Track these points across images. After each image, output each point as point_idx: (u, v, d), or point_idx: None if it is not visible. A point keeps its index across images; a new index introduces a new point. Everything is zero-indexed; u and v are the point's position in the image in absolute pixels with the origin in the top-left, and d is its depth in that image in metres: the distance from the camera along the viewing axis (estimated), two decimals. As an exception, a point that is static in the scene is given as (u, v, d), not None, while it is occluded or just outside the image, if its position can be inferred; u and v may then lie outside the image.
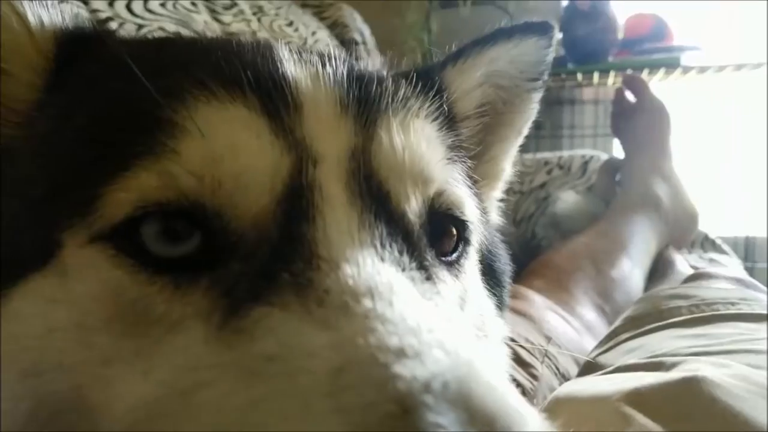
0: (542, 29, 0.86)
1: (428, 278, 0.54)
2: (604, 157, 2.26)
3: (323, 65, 0.61)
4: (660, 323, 1.05)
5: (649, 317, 1.10)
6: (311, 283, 0.46)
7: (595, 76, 2.85)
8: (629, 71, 2.75)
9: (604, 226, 1.86)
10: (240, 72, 0.55)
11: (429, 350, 0.39)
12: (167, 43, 0.70)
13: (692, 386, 0.67)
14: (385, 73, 0.68)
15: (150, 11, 1.59)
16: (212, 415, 0.42)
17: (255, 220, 0.51)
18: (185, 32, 1.63)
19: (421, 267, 0.54)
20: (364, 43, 2.52)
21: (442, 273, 0.60)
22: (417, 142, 0.60)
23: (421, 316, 0.43)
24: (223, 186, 0.51)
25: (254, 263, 0.49)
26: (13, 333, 0.53)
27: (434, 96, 0.69)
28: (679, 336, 0.96)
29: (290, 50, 0.63)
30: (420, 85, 0.68)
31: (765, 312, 1.01)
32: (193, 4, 1.78)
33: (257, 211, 0.51)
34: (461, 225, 0.65)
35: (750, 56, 2.84)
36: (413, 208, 0.58)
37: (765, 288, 1.20)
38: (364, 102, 0.60)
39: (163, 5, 1.65)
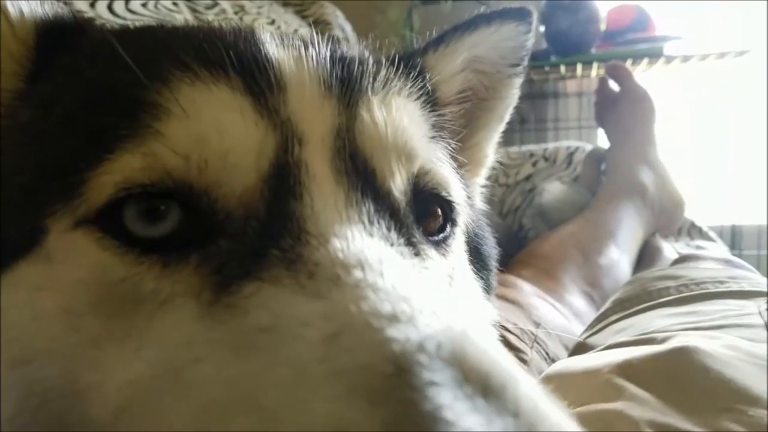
0: (521, 15, 0.87)
1: (416, 254, 0.54)
2: (589, 147, 2.26)
3: (306, 47, 0.61)
4: (649, 303, 1.05)
5: (637, 298, 1.10)
6: (301, 258, 0.46)
7: (579, 68, 2.87)
8: (612, 62, 2.76)
9: (590, 214, 1.87)
10: (222, 53, 0.56)
11: (421, 315, 0.39)
12: (149, 30, 0.70)
13: (683, 356, 0.66)
14: (367, 54, 0.68)
15: (131, 11, 1.59)
16: (208, 389, 0.42)
17: (242, 199, 0.51)
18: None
19: (409, 243, 0.54)
20: (347, 40, 2.52)
21: (430, 251, 0.60)
22: (399, 117, 0.61)
23: (411, 286, 0.43)
24: (210, 165, 0.51)
25: (243, 240, 0.50)
26: (0, 323, 0.52)
27: (416, 78, 0.69)
28: (669, 314, 0.96)
29: (271, 34, 0.63)
30: (402, 66, 0.68)
31: (753, 289, 1.01)
32: (175, 3, 1.78)
33: (244, 189, 0.51)
34: (448, 205, 0.65)
35: (732, 44, 2.87)
36: (398, 185, 0.58)
37: (752, 268, 1.21)
38: (346, 82, 0.60)
39: (144, 5, 1.66)
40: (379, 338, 0.37)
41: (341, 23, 2.53)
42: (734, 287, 1.02)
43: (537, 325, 1.21)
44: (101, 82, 0.57)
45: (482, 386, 0.34)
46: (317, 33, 0.66)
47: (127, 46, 0.56)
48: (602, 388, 0.66)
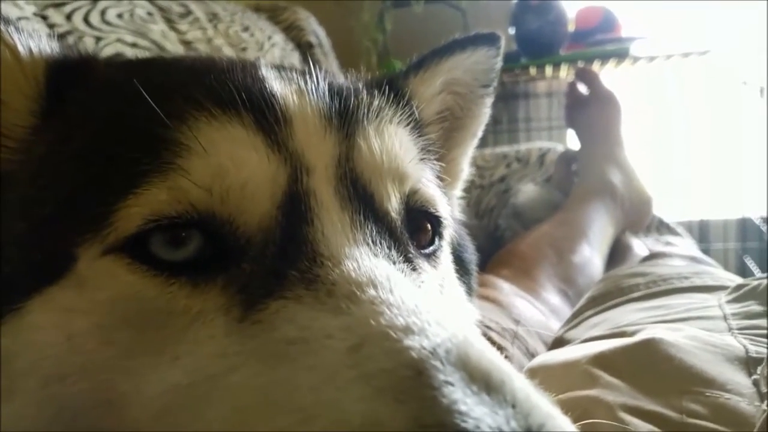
0: (491, 40, 0.97)
1: (414, 269, 0.62)
2: (560, 148, 2.37)
3: (305, 82, 0.68)
4: (621, 299, 1.15)
5: (610, 295, 1.20)
6: (318, 278, 0.53)
7: (548, 69, 2.97)
8: (581, 63, 2.88)
9: (564, 215, 1.97)
10: (233, 92, 0.62)
11: (429, 326, 0.47)
12: (155, 66, 0.75)
13: (650, 347, 0.77)
14: (358, 84, 0.76)
15: (107, 23, 1.62)
16: (245, 394, 0.49)
17: (260, 225, 0.58)
18: (143, 43, 1.68)
19: (407, 260, 0.62)
20: (320, 45, 2.58)
21: (423, 264, 0.68)
22: (391, 143, 0.68)
23: (416, 300, 0.51)
24: (231, 196, 0.57)
25: (263, 263, 0.56)
26: (32, 343, 0.57)
27: (404, 104, 0.77)
28: (639, 309, 1.06)
29: (271, 68, 0.71)
30: (391, 94, 0.75)
31: (715, 283, 1.12)
32: (149, 14, 1.81)
33: (261, 217, 0.58)
34: (435, 220, 0.73)
35: (695, 44, 3.00)
36: (394, 205, 0.66)
37: (715, 263, 1.32)
38: (344, 114, 0.67)
39: (119, 16, 1.68)
40: (397, 347, 0.45)
41: (315, 29, 2.59)
42: (698, 282, 1.13)
43: (517, 322, 1.31)
44: (118, 120, 0.62)
45: (485, 383, 0.42)
46: (311, 63, 0.73)
47: (140, 83, 0.61)
48: (580, 377, 0.76)
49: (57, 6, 1.53)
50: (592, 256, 1.84)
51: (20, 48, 0.67)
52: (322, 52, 2.58)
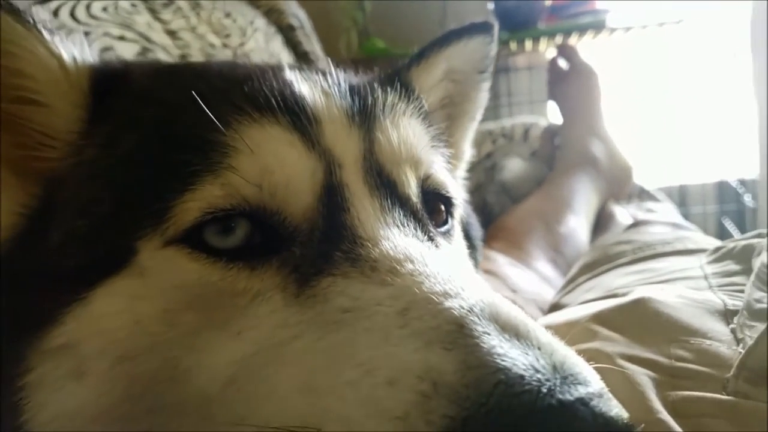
0: (486, 28, 1.07)
1: (436, 246, 0.72)
2: (544, 123, 2.48)
3: (327, 83, 0.78)
4: (610, 265, 1.28)
5: (600, 262, 1.33)
6: (361, 257, 0.63)
7: (528, 43, 3.08)
8: (559, 36, 2.99)
9: (549, 187, 2.10)
10: (269, 97, 0.71)
11: (463, 291, 0.57)
12: (187, 74, 0.82)
13: (641, 304, 0.89)
14: (373, 82, 0.86)
15: (93, 17, 1.67)
16: (309, 356, 0.57)
17: (305, 215, 0.67)
18: (130, 35, 1.74)
19: (430, 238, 0.72)
20: (302, 27, 2.64)
21: (442, 241, 0.78)
22: (406, 134, 0.78)
23: (448, 272, 0.61)
24: (278, 191, 0.66)
25: (311, 246, 0.65)
26: (101, 329, 0.64)
27: (414, 97, 0.87)
28: (627, 273, 1.19)
29: (294, 70, 0.80)
30: (402, 89, 0.85)
31: (696, 247, 1.25)
32: (133, 5, 1.86)
33: (305, 207, 0.67)
34: (447, 201, 0.83)
35: (670, 14, 3.12)
36: (413, 189, 0.76)
37: (694, 227, 1.45)
38: (363, 111, 0.77)
39: (104, 9, 1.72)
40: (440, 308, 0.55)
41: (295, 11, 2.64)
42: (679, 247, 1.26)
43: (514, 292, 1.43)
44: (164, 125, 0.70)
45: (515, 332, 0.52)
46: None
47: (180, 92, 0.70)
48: (581, 333, 0.88)
49: (43, 3, 1.58)
50: (577, 225, 1.97)
51: (65, 57, 0.74)
52: (304, 33, 2.64)
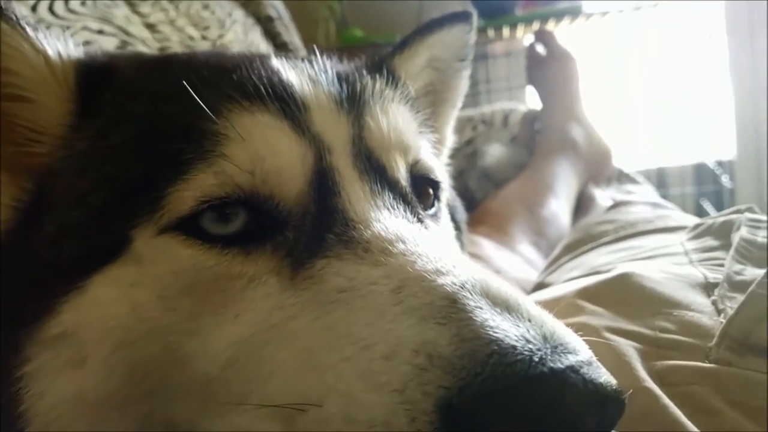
0: (465, 17, 1.10)
1: (425, 228, 0.74)
2: (523, 108, 2.51)
3: (314, 70, 0.79)
4: (592, 245, 1.31)
5: (582, 241, 1.36)
6: (353, 239, 0.64)
7: (505, 30, 3.10)
8: (536, 22, 3.02)
9: (530, 172, 2.13)
10: (258, 85, 0.72)
11: (454, 268, 0.59)
12: (174, 65, 0.82)
13: (625, 279, 0.92)
14: (361, 68, 0.87)
15: (72, 11, 1.65)
16: (306, 336, 0.59)
17: (297, 200, 0.68)
18: (109, 29, 1.73)
19: (419, 220, 0.74)
20: (280, 17, 2.64)
21: (430, 223, 0.79)
22: (395, 120, 0.80)
23: (437, 250, 0.62)
24: (270, 177, 0.67)
25: (304, 230, 0.67)
26: (99, 315, 0.65)
27: (401, 84, 0.88)
28: (610, 251, 1.22)
29: (281, 58, 0.81)
30: (389, 76, 0.87)
31: (676, 224, 1.28)
32: None
33: (297, 192, 0.68)
34: (435, 185, 0.85)
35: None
36: (402, 174, 0.77)
37: (674, 206, 1.48)
38: (352, 97, 0.78)
39: (83, 4, 1.71)
40: (433, 285, 0.56)
41: (273, 2, 2.62)
42: (660, 225, 1.29)
43: (498, 273, 1.45)
44: (155, 116, 0.70)
45: (505, 306, 0.54)
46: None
47: (170, 82, 0.71)
48: (568, 308, 0.90)
49: (22, -2, 1.58)
50: (559, 208, 2.01)
51: (50, 53, 0.74)
52: (283, 24, 2.64)
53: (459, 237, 1.02)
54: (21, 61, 0.73)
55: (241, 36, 2.31)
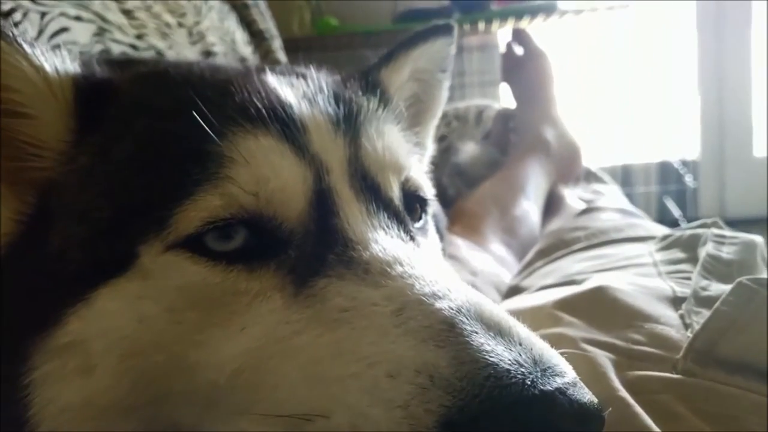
0: (447, 30, 1.15)
1: (417, 246, 0.78)
2: (496, 106, 2.57)
3: (311, 90, 0.82)
4: (565, 251, 1.38)
5: (555, 247, 1.43)
6: (353, 259, 0.67)
7: (480, 24, 3.16)
8: (512, 18, 3.08)
9: (504, 172, 2.19)
10: (260, 108, 0.75)
11: (450, 292, 0.63)
12: (172, 80, 0.82)
13: (600, 292, 0.99)
14: (354, 85, 0.91)
15: None
16: (310, 350, 0.62)
17: (298, 219, 0.71)
18: (86, 15, 1.73)
19: (411, 238, 0.77)
20: (256, 5, 2.65)
21: (421, 238, 0.83)
22: (389, 141, 0.83)
23: (432, 272, 0.66)
24: (274, 198, 0.70)
25: (306, 249, 0.70)
26: (106, 327, 0.68)
27: (392, 103, 0.93)
28: (582, 259, 1.29)
29: (277, 74, 0.84)
30: (381, 96, 0.90)
31: (646, 234, 1.36)
32: None
33: (299, 212, 0.71)
34: (423, 201, 0.89)
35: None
36: (396, 193, 0.80)
37: (643, 214, 1.56)
38: (347, 118, 0.81)
39: None
40: (431, 309, 0.60)
41: (251, -8, 2.65)
42: (631, 233, 1.37)
43: (474, 274, 1.51)
44: (158, 135, 0.73)
45: (498, 330, 0.59)
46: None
47: (170, 99, 0.75)
48: (546, 318, 0.97)
49: (0, -16, 1.57)
50: (530, 209, 2.07)
51: (48, 69, 0.76)
52: (259, 11, 2.65)
53: (442, 243, 1.07)
54: (20, 78, 0.74)
55: (217, 23, 2.32)
